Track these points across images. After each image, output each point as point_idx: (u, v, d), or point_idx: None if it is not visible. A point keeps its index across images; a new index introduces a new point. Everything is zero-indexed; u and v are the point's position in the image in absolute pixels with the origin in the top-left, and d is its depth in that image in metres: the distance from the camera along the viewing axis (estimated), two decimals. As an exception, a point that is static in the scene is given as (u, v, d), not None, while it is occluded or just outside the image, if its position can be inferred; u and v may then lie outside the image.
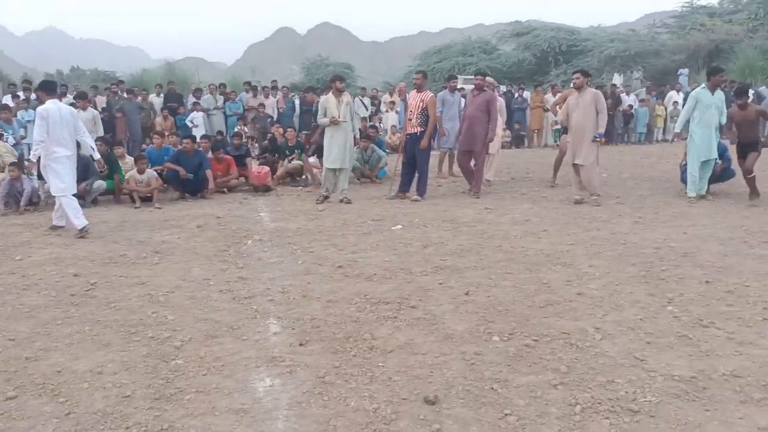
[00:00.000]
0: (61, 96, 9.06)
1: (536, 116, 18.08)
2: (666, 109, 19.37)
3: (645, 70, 29.05)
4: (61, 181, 7.06)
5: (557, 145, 16.73)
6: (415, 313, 4.35)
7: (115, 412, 3.02)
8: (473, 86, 9.70)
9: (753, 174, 8.52)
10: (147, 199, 9.09)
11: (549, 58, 33.47)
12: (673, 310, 4.33)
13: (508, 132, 17.59)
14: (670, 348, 3.69)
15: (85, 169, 8.83)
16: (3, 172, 8.72)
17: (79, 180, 8.72)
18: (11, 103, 13.94)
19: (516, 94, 18.56)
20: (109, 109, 14.09)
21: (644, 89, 21.96)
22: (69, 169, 7.14)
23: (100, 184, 8.96)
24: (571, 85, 8.96)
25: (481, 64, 32.29)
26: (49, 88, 7.39)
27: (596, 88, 9.09)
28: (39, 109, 7.09)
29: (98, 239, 6.86)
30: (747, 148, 8.58)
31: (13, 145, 10.84)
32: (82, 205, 8.78)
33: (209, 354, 3.72)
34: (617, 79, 24.77)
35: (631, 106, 18.90)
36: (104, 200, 9.37)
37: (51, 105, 7.02)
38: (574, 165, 8.64)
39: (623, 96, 19.08)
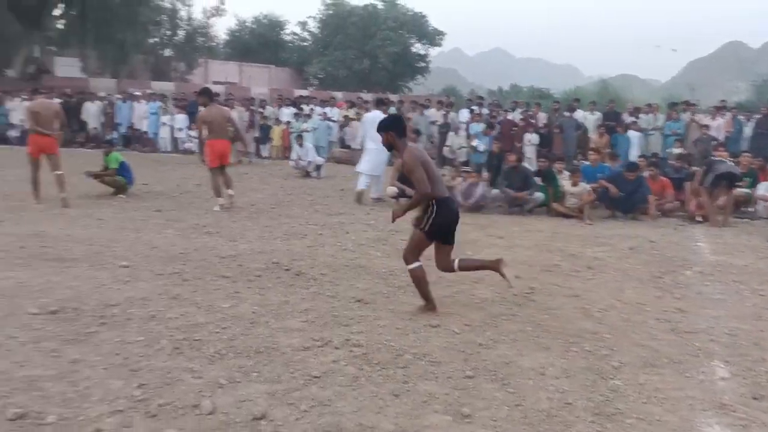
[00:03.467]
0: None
1: None
2: None
3: None
4: (367, 163, 10.09)
5: None
6: None
7: (558, 416, 3.17)
8: None
9: None
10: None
11: None
12: None
13: None
14: None
15: (525, 179, 9.57)
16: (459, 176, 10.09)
17: (520, 189, 9.51)
18: (467, 118, 16.01)
19: None
20: (549, 125, 14.90)
21: None
22: (374, 156, 9.95)
23: (538, 195, 9.55)
24: None
25: None
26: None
27: None
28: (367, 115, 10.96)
29: (534, 246, 7.32)
30: None
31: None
32: (518, 212, 9.55)
33: (649, 382, 3.60)
34: None
35: None
36: (539, 211, 9.93)
37: (369, 114, 10.63)
38: None
39: None
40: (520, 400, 3.34)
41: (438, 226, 4.56)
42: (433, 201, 4.53)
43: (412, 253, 4.64)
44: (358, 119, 16.90)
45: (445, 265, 4.81)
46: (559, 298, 5.26)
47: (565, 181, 9.72)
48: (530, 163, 12.31)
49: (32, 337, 3.95)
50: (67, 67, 27.44)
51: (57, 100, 13.99)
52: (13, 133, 18.57)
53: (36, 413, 2.99)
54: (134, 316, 4.38)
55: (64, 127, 9.67)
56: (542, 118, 15.64)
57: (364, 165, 10.19)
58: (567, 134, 14.38)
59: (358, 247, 6.97)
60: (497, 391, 3.44)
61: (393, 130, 4.65)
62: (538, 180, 9.87)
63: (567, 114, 15.24)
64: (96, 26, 24.72)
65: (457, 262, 4.80)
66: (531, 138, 14.21)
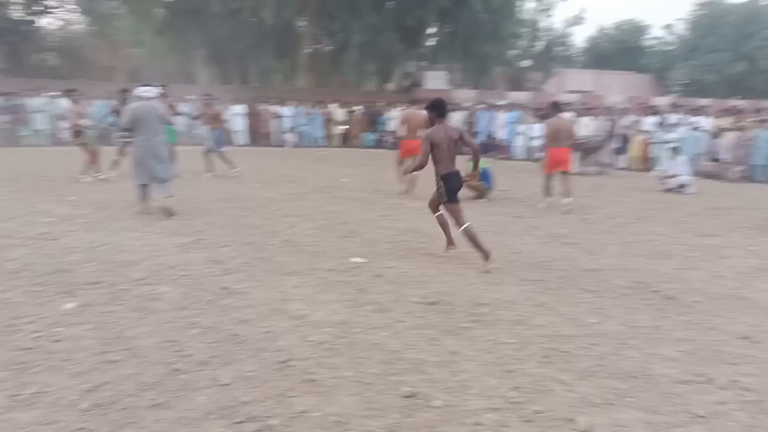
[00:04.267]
0: None
1: None
2: None
3: None
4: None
5: None
6: None
7: None
8: None
9: None
10: None
11: None
12: None
13: None
14: None
15: None
16: None
17: None
18: None
19: None
20: None
21: None
22: None
23: None
24: None
25: None
26: None
27: None
28: None
29: None
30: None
31: None
32: None
33: None
34: None
35: None
36: None
37: None
38: None
39: None
40: None
41: (449, 192, 6.06)
42: (439, 177, 6.07)
43: (433, 206, 6.43)
44: (738, 129, 15.02)
45: (454, 218, 6.13)
46: None
47: None
48: None
49: (416, 324, 4.40)
50: (435, 80, 30.29)
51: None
52: (388, 139, 21.26)
53: (424, 395, 3.31)
54: (503, 318, 4.56)
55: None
56: None
57: None
58: None
59: (738, 275, 6.11)
60: None
61: (436, 111, 6.16)
62: None
63: None
64: (464, 41, 26.74)
65: (465, 225, 6.00)
66: None
